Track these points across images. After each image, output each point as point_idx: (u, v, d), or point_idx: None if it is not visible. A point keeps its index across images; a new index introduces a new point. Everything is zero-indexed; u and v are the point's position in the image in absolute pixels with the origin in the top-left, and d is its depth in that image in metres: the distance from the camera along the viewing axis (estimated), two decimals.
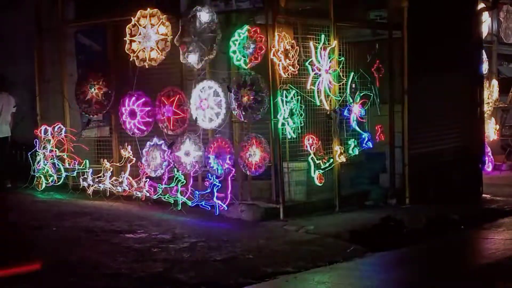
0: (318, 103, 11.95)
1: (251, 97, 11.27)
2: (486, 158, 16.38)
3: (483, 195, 14.14)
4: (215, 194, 11.35)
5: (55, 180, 13.00)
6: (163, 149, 11.98)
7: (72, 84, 13.26)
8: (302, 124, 11.73)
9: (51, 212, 11.19)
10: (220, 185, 11.34)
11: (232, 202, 11.44)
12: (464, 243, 10.89)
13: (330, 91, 12.06)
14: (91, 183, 12.62)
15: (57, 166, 12.98)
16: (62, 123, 13.15)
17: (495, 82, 18.22)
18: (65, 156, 12.98)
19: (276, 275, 8.38)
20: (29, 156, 13.21)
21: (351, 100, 12.41)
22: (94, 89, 12.74)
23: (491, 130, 17.82)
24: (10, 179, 13.54)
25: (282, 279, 8.31)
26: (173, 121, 11.89)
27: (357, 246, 9.86)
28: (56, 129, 13.04)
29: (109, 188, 12.50)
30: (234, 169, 11.45)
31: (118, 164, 12.55)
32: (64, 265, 8.34)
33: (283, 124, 11.38)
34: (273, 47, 11.23)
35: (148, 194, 12.09)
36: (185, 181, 11.71)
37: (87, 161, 12.75)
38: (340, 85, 12.29)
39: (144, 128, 12.21)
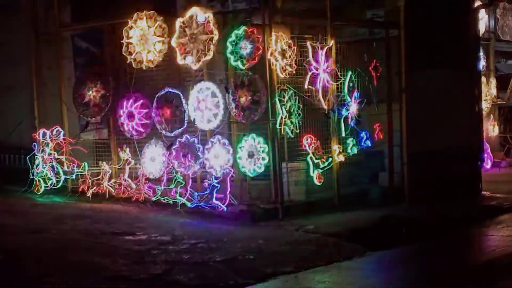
0: (316, 103, 11.95)
1: (249, 98, 11.27)
2: (485, 155, 16.38)
3: (483, 192, 14.14)
4: (214, 195, 11.36)
5: (54, 183, 13.01)
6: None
7: (69, 87, 13.25)
8: (301, 124, 11.74)
9: (50, 215, 11.19)
10: (219, 186, 11.35)
11: (231, 203, 11.44)
12: (464, 241, 10.88)
13: (328, 91, 12.06)
14: (90, 185, 12.63)
15: (56, 169, 12.98)
16: (60, 126, 13.16)
17: (493, 79, 18.24)
18: (63, 159, 12.98)
19: (276, 275, 8.37)
20: (28, 160, 13.20)
21: (349, 99, 12.42)
22: (92, 91, 12.74)
23: (490, 127, 17.83)
24: None
25: (282, 279, 8.30)
26: (171, 122, 11.88)
27: (357, 245, 9.85)
28: (54, 132, 13.05)
29: (108, 190, 12.51)
30: (232, 170, 11.44)
31: (116, 166, 12.56)
32: (64, 268, 8.33)
33: (281, 124, 11.38)
34: (270, 47, 11.23)
35: (147, 196, 12.10)
36: (184, 183, 11.72)
37: (86, 163, 12.76)
38: (337, 85, 12.30)
39: (142, 130, 12.22)
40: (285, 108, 11.41)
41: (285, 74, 11.44)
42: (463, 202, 12.78)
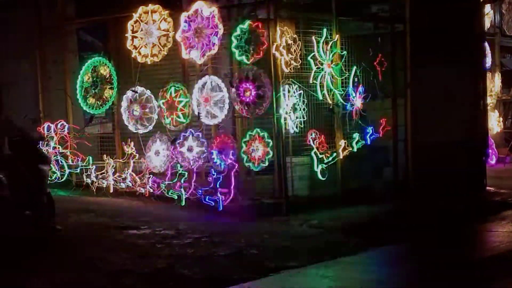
0: (320, 98, 11.93)
1: (254, 92, 11.26)
2: (490, 151, 16.34)
3: (487, 187, 14.11)
4: (218, 189, 11.35)
5: (58, 177, 13.02)
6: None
7: (74, 81, 13.25)
8: (305, 119, 11.73)
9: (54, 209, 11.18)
10: (223, 180, 11.34)
11: (235, 198, 11.43)
12: (468, 236, 10.87)
13: (332, 85, 12.05)
14: (94, 179, 12.64)
15: (60, 163, 13.00)
16: (65, 120, 13.18)
17: (498, 75, 18.20)
18: (68, 153, 13.00)
19: (280, 270, 8.37)
20: None
21: (354, 94, 12.40)
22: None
23: (495, 123, 17.80)
24: None
25: (286, 273, 8.30)
26: (176, 117, 11.87)
27: (360, 240, 9.85)
28: (59, 126, 13.06)
29: (112, 184, 12.52)
30: (237, 164, 11.44)
31: (121, 160, 12.57)
32: (68, 262, 8.34)
33: (285, 119, 11.37)
34: (275, 42, 11.22)
35: (151, 190, 12.11)
36: (188, 176, 11.71)
37: (90, 157, 12.77)
38: (342, 79, 12.27)
39: (147, 124, 12.21)
40: (289, 102, 11.40)
41: (290, 69, 11.43)
42: (468, 198, 12.76)
